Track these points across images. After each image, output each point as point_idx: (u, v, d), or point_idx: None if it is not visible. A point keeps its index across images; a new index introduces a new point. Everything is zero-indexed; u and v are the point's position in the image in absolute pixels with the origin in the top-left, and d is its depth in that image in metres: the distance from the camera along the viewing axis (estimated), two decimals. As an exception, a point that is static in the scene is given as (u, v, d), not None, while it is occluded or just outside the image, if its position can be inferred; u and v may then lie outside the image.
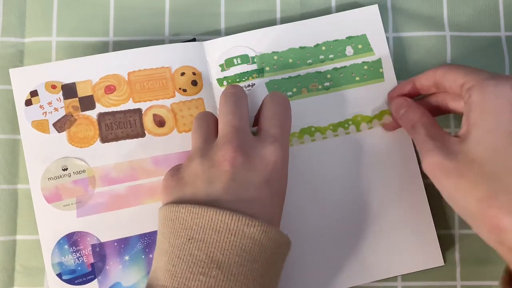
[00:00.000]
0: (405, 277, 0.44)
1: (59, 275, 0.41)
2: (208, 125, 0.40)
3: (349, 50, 0.46)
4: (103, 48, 0.46)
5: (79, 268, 0.42)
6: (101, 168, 0.43)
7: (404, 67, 0.46)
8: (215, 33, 0.47)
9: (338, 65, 0.45)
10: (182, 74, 0.44)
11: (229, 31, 0.47)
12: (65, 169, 0.43)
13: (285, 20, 0.47)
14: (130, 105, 0.44)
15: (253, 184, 0.36)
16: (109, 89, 0.44)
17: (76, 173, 0.43)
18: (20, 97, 0.43)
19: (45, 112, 0.43)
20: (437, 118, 0.43)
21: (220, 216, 0.34)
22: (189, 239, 0.34)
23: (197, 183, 0.36)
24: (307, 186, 0.43)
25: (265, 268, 0.35)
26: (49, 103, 0.43)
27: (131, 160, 0.43)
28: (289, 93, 0.45)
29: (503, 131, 0.34)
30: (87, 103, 0.44)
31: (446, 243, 0.44)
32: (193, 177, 0.37)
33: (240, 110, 0.39)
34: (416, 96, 0.43)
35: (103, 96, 0.44)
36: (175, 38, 0.47)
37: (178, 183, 0.38)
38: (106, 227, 0.42)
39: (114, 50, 0.46)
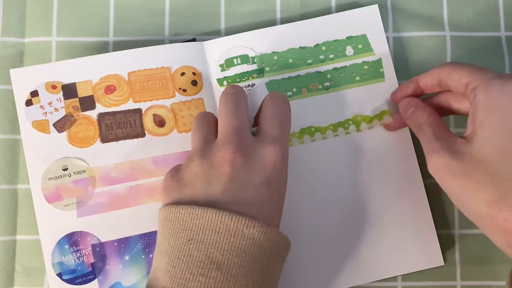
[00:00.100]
0: (405, 277, 0.44)
1: (60, 275, 0.41)
2: (208, 125, 0.40)
3: (349, 50, 0.46)
4: (103, 48, 0.47)
5: (79, 268, 0.42)
6: (101, 168, 0.43)
7: (404, 67, 0.46)
8: (215, 33, 0.47)
9: (338, 65, 0.45)
10: (182, 74, 0.44)
11: (229, 31, 0.47)
12: (66, 169, 0.43)
13: (285, 20, 0.47)
14: (130, 105, 0.44)
15: (253, 185, 0.36)
16: (109, 89, 0.44)
17: (76, 173, 0.43)
18: (20, 97, 0.43)
19: (46, 112, 0.43)
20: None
21: (220, 217, 0.34)
22: (188, 240, 0.34)
23: (196, 183, 0.36)
24: (307, 186, 0.43)
25: (265, 269, 0.35)
26: (50, 103, 0.43)
27: (131, 160, 0.43)
28: (289, 93, 0.45)
29: (510, 131, 0.34)
30: (87, 103, 0.44)
31: (446, 243, 0.44)
32: (193, 178, 0.37)
33: (240, 111, 0.39)
34: (420, 96, 0.43)
35: (103, 96, 0.44)
36: (175, 38, 0.47)
37: (178, 183, 0.38)
38: (106, 227, 0.42)
39: (114, 50, 0.46)
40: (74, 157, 0.43)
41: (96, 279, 0.42)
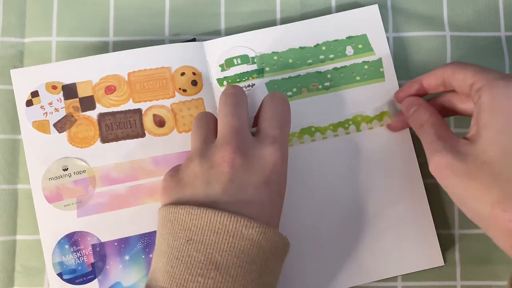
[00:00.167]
0: (405, 277, 0.44)
1: (60, 275, 0.41)
2: (208, 125, 0.40)
3: (349, 50, 0.46)
4: (103, 48, 0.47)
5: (79, 268, 0.42)
6: (101, 168, 0.43)
7: (404, 67, 0.46)
8: (215, 33, 0.47)
9: (338, 65, 0.45)
10: (182, 74, 0.44)
11: (229, 31, 0.47)
12: (66, 169, 0.43)
13: (285, 20, 0.47)
14: (130, 105, 0.44)
15: (252, 185, 0.36)
16: (109, 90, 0.44)
17: (77, 173, 0.43)
18: (21, 97, 0.43)
19: (46, 113, 0.43)
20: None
21: (219, 218, 0.34)
22: (187, 240, 0.34)
23: (196, 184, 0.36)
24: (307, 186, 0.43)
25: (264, 269, 0.35)
26: (50, 103, 0.43)
27: (131, 160, 0.43)
28: (289, 93, 0.45)
29: None
30: (88, 103, 0.44)
31: (446, 243, 0.44)
32: (192, 178, 0.37)
33: (239, 111, 0.39)
34: (423, 96, 0.43)
35: (103, 97, 0.44)
36: (175, 38, 0.47)
37: (178, 184, 0.38)
38: (106, 227, 0.42)
39: (114, 50, 0.46)
40: (74, 157, 0.43)
41: (96, 279, 0.42)
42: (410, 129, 0.44)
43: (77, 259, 0.42)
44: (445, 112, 0.42)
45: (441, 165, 0.36)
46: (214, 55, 0.45)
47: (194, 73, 0.45)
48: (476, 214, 0.35)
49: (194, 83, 0.44)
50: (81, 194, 0.42)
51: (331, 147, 0.44)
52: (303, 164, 0.44)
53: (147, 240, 0.42)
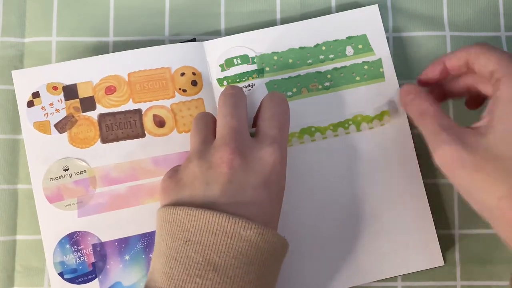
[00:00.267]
0: (405, 277, 0.44)
1: (61, 274, 0.42)
2: (207, 126, 0.40)
3: (349, 50, 0.46)
4: (103, 48, 0.47)
5: (80, 268, 0.42)
6: (102, 169, 0.43)
7: (404, 67, 0.46)
8: (215, 33, 0.47)
9: (338, 65, 0.45)
10: (182, 74, 0.44)
11: (229, 31, 0.47)
12: (66, 170, 0.43)
13: (285, 20, 0.47)
14: (130, 105, 0.44)
15: (251, 186, 0.36)
16: (110, 90, 0.44)
17: (77, 173, 0.43)
18: (22, 98, 0.43)
19: (47, 113, 0.43)
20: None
21: (217, 219, 0.34)
22: (186, 242, 0.34)
23: (195, 185, 0.36)
24: (307, 186, 0.43)
25: (262, 270, 0.35)
26: (51, 104, 0.43)
27: (131, 161, 0.43)
28: (289, 93, 0.45)
29: None
30: (88, 104, 0.44)
31: (446, 243, 0.44)
32: (191, 179, 0.37)
33: (238, 111, 0.39)
34: (446, 78, 0.41)
35: (103, 97, 0.44)
36: (175, 38, 0.47)
37: (176, 184, 0.38)
38: (107, 227, 0.42)
39: (114, 50, 0.46)
40: (75, 157, 0.43)
41: (97, 279, 0.42)
42: (410, 129, 0.44)
43: (77, 259, 0.42)
44: (466, 92, 0.41)
45: (448, 157, 0.35)
46: (214, 55, 0.45)
47: (194, 73, 0.45)
48: (482, 205, 0.34)
49: (194, 83, 0.44)
50: (82, 194, 0.42)
51: (331, 147, 0.44)
52: (303, 164, 0.44)
53: (147, 240, 0.42)
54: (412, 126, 0.44)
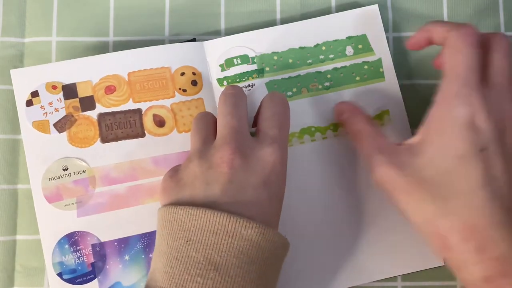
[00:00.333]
0: (405, 277, 0.44)
1: (60, 275, 0.42)
2: (207, 126, 0.40)
3: (349, 50, 0.46)
4: (103, 48, 0.47)
5: (79, 268, 0.42)
6: (101, 168, 0.43)
7: (404, 67, 0.46)
8: (215, 33, 0.47)
9: (338, 65, 0.45)
10: (182, 74, 0.44)
11: (229, 31, 0.47)
12: (66, 169, 0.43)
13: (285, 20, 0.47)
14: (130, 105, 0.44)
15: (251, 186, 0.36)
16: (109, 90, 0.44)
17: (77, 173, 0.43)
18: (21, 97, 0.43)
19: (46, 113, 0.43)
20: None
21: (218, 218, 0.34)
22: (187, 241, 0.34)
23: (195, 184, 0.36)
24: (307, 186, 0.43)
25: (263, 270, 0.35)
26: (50, 103, 0.43)
27: (131, 160, 0.43)
28: (289, 93, 0.45)
29: (453, 155, 0.35)
30: (88, 103, 0.44)
31: (446, 243, 0.44)
32: (192, 179, 0.37)
33: (239, 111, 0.39)
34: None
35: (103, 97, 0.44)
36: (175, 38, 0.47)
37: (177, 184, 0.38)
38: (106, 227, 0.42)
39: (114, 50, 0.46)
40: (74, 157, 0.43)
41: (96, 279, 0.42)
42: (410, 129, 0.44)
43: (77, 259, 0.42)
44: None
45: (383, 179, 0.37)
46: (214, 55, 0.45)
47: (194, 73, 0.45)
48: (415, 224, 0.37)
49: (194, 83, 0.44)
50: (81, 194, 0.42)
51: (331, 147, 0.44)
52: (303, 164, 0.44)
53: (147, 240, 0.42)
54: (412, 126, 0.44)
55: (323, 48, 0.46)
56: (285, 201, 0.39)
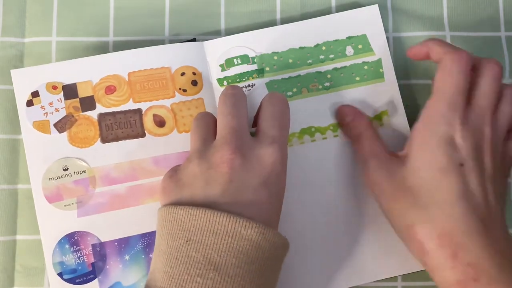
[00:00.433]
0: (405, 277, 0.44)
1: (60, 275, 0.42)
2: (207, 126, 0.40)
3: (349, 50, 0.46)
4: (103, 48, 0.47)
5: (79, 268, 0.42)
6: (102, 168, 0.43)
7: (404, 67, 0.46)
8: (215, 33, 0.47)
9: (338, 65, 0.45)
10: (182, 74, 0.44)
11: (229, 31, 0.47)
12: (66, 169, 0.43)
13: (285, 20, 0.47)
14: (130, 105, 0.44)
15: (251, 186, 0.36)
16: (110, 90, 0.44)
17: (77, 173, 0.43)
18: (21, 97, 0.43)
19: (46, 113, 0.43)
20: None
21: (218, 218, 0.34)
22: (186, 241, 0.34)
23: (195, 184, 0.36)
24: (307, 186, 0.43)
25: (262, 270, 0.35)
26: (50, 103, 0.43)
27: (131, 160, 0.43)
28: (289, 93, 0.45)
29: (435, 168, 0.37)
30: (88, 103, 0.44)
31: (446, 243, 0.44)
32: (192, 179, 0.37)
33: (238, 111, 0.39)
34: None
35: (103, 97, 0.44)
36: (175, 38, 0.47)
37: (177, 184, 0.38)
38: (107, 227, 0.42)
39: (114, 50, 0.46)
40: (75, 157, 0.43)
41: (97, 279, 0.42)
42: (410, 129, 0.44)
43: (77, 259, 0.42)
44: None
45: (371, 183, 0.40)
46: (214, 55, 0.45)
47: (194, 73, 0.45)
48: (397, 228, 0.40)
49: (194, 83, 0.44)
50: (81, 194, 0.42)
51: (331, 147, 0.44)
52: (303, 164, 0.44)
53: (147, 240, 0.42)
54: (411, 126, 0.44)
55: (323, 48, 0.46)
56: (285, 201, 0.39)
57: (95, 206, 0.42)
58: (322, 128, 0.44)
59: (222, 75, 0.45)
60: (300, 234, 0.43)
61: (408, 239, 0.38)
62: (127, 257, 0.42)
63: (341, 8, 0.47)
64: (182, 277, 0.34)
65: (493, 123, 0.38)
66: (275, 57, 0.45)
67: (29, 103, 0.43)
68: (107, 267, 0.42)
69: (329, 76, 0.45)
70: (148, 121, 0.44)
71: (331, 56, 0.45)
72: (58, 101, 0.43)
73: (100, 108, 0.44)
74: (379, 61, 0.45)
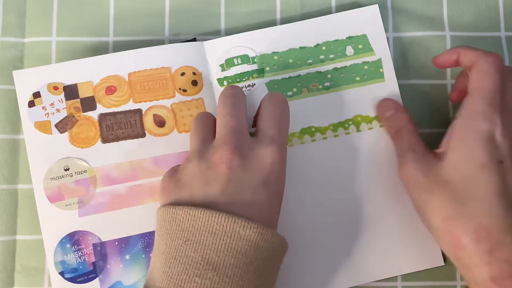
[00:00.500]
0: (405, 277, 0.44)
1: (62, 274, 0.42)
2: (207, 126, 0.40)
3: (349, 50, 0.46)
4: (103, 48, 0.47)
5: (81, 267, 0.42)
6: (102, 168, 0.43)
7: (404, 67, 0.46)
8: (215, 33, 0.47)
9: (338, 65, 0.45)
10: (182, 74, 0.44)
11: (229, 31, 0.47)
12: (67, 169, 0.43)
13: (285, 20, 0.47)
14: (130, 105, 0.44)
15: (250, 186, 0.36)
16: (110, 90, 0.44)
17: (78, 173, 0.43)
18: (23, 98, 0.43)
19: (48, 113, 0.43)
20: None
21: (216, 218, 0.34)
22: (185, 241, 0.34)
23: (194, 184, 0.37)
24: (306, 186, 0.44)
25: (261, 270, 0.35)
26: (51, 104, 0.43)
27: (131, 160, 0.43)
28: (289, 93, 0.45)
29: (475, 163, 0.37)
30: (88, 104, 0.44)
31: (446, 243, 0.44)
32: (191, 179, 0.37)
33: (238, 111, 0.39)
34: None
35: (104, 97, 0.44)
36: (175, 38, 0.47)
37: (176, 184, 0.38)
38: (107, 226, 0.42)
39: (114, 50, 0.46)
40: (76, 157, 0.43)
41: (97, 278, 0.42)
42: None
43: (78, 258, 0.42)
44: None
45: (408, 175, 0.39)
46: (214, 55, 0.45)
47: (194, 73, 0.45)
48: (429, 223, 0.39)
49: (194, 83, 0.44)
50: (82, 194, 0.43)
51: (331, 147, 0.44)
52: (303, 164, 0.44)
53: (148, 239, 0.42)
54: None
55: (323, 48, 0.46)
56: (285, 201, 0.39)
57: (96, 206, 0.42)
58: (322, 128, 0.44)
59: (222, 75, 0.45)
60: (300, 234, 0.43)
61: (442, 233, 0.37)
62: (127, 257, 0.42)
63: (341, 8, 0.47)
64: (181, 277, 0.34)
65: None
66: (275, 57, 0.45)
67: (31, 104, 0.43)
68: (108, 266, 0.42)
69: (329, 76, 0.45)
70: (148, 121, 0.44)
71: (331, 56, 0.45)
72: (59, 101, 0.43)
73: (100, 109, 0.44)
74: (379, 61, 0.45)
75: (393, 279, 0.44)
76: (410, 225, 0.43)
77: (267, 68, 0.45)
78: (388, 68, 0.45)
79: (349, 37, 0.46)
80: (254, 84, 0.45)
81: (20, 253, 0.44)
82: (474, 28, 0.47)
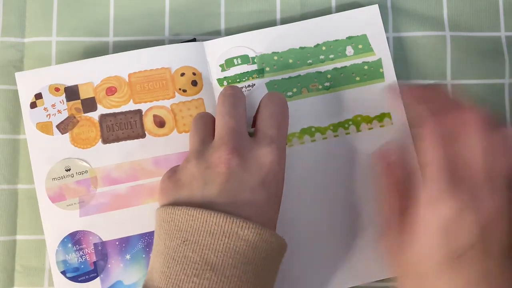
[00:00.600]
0: (405, 277, 0.44)
1: (63, 273, 0.42)
2: (206, 126, 0.40)
3: (349, 50, 0.46)
4: (103, 48, 0.46)
5: (82, 266, 0.42)
6: (103, 169, 0.43)
7: (404, 67, 0.46)
8: (215, 33, 0.47)
9: (338, 65, 0.45)
10: (182, 74, 0.44)
11: (229, 31, 0.47)
12: (68, 170, 0.43)
13: (285, 20, 0.47)
14: (130, 106, 0.44)
15: (249, 186, 0.36)
16: (110, 91, 0.44)
17: (79, 173, 0.43)
18: (25, 99, 0.44)
19: (49, 114, 0.43)
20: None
21: (214, 219, 0.34)
22: (183, 241, 0.35)
23: (193, 184, 0.37)
24: (306, 186, 0.44)
25: (259, 270, 0.35)
26: (53, 105, 0.43)
27: (132, 161, 0.43)
28: (289, 93, 0.45)
29: (438, 254, 0.34)
30: (89, 104, 0.44)
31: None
32: (190, 179, 0.37)
33: (237, 111, 0.39)
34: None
35: (104, 98, 0.44)
36: (175, 38, 0.47)
37: (175, 184, 0.38)
38: (108, 226, 0.43)
39: (114, 50, 0.46)
40: (77, 158, 0.43)
41: (98, 277, 0.42)
42: (410, 129, 0.44)
43: (79, 258, 0.42)
44: None
45: (388, 250, 0.38)
46: (214, 55, 0.45)
47: (194, 74, 0.45)
48: None
49: (194, 83, 0.44)
50: (83, 194, 0.43)
51: (331, 147, 0.44)
52: (303, 164, 0.44)
53: (148, 239, 0.43)
54: (412, 126, 0.44)
55: (323, 48, 0.46)
56: (284, 201, 0.39)
57: (97, 206, 0.43)
58: (322, 128, 0.45)
59: (222, 75, 0.45)
60: (299, 234, 0.43)
61: None
62: (128, 256, 0.42)
63: (341, 8, 0.47)
64: (179, 277, 0.34)
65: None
66: (275, 57, 0.45)
67: (33, 105, 0.43)
68: (109, 266, 0.42)
69: (329, 76, 0.45)
70: (148, 122, 0.44)
71: (331, 56, 0.45)
72: (61, 102, 0.43)
73: (101, 109, 0.44)
74: (379, 61, 0.45)
75: (393, 279, 0.44)
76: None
77: (267, 68, 0.45)
78: (388, 68, 0.45)
79: (349, 37, 0.46)
80: (254, 84, 0.45)
81: (20, 253, 0.44)
82: (474, 28, 0.47)
